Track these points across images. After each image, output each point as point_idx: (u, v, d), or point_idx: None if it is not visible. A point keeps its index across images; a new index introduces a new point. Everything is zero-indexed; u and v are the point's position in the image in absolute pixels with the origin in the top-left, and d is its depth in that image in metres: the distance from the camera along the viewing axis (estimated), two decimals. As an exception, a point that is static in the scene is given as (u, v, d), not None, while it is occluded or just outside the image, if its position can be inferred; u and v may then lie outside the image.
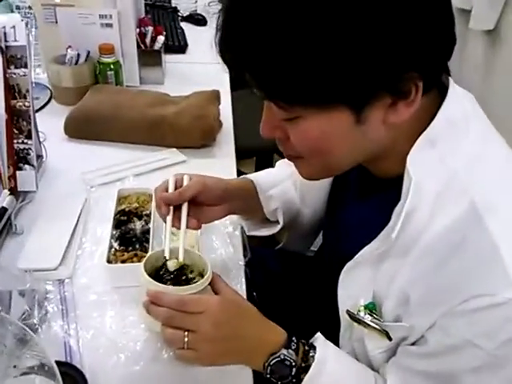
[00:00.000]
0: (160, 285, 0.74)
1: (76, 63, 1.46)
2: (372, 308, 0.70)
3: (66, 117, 1.32)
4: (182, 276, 0.80)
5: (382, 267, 0.69)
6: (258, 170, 2.67)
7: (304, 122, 0.62)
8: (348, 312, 0.73)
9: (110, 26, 1.50)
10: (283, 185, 1.01)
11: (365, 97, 0.59)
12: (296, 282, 1.09)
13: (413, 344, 0.68)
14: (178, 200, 0.84)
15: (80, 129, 1.31)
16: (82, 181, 1.15)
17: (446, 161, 0.63)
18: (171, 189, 0.85)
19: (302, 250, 1.09)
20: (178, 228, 0.83)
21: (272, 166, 2.62)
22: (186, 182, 0.87)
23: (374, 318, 0.69)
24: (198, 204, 0.87)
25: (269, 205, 0.99)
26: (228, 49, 0.61)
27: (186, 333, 0.70)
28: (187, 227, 0.83)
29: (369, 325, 0.70)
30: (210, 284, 0.77)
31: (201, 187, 0.86)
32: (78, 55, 1.46)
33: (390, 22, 0.54)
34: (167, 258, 0.79)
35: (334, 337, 0.82)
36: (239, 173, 1.27)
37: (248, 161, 2.44)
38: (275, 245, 1.11)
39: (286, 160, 1.06)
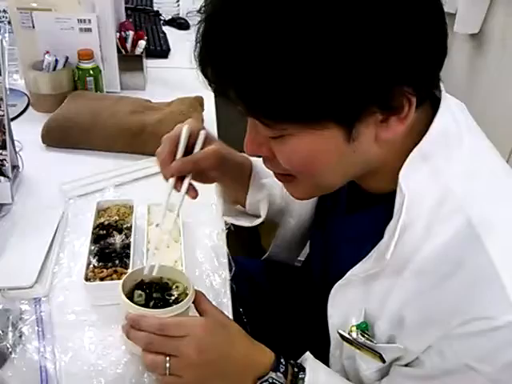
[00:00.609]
0: (138, 308, 0.71)
1: (54, 69, 1.42)
2: (364, 328, 0.67)
3: (43, 125, 1.27)
4: (165, 292, 0.76)
5: (374, 286, 0.66)
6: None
7: (290, 140, 0.59)
8: (339, 333, 0.70)
9: (88, 30, 1.45)
10: (272, 178, 0.96)
11: (354, 113, 0.55)
12: (283, 296, 1.05)
13: (407, 365, 0.65)
14: (190, 171, 0.76)
15: (58, 137, 1.27)
16: (59, 192, 1.10)
17: (439, 176, 0.60)
18: (181, 148, 0.76)
19: (289, 260, 1.06)
20: (179, 191, 0.76)
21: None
22: (200, 142, 0.78)
23: (367, 339, 0.66)
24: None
25: (256, 193, 0.93)
26: (210, 62, 0.57)
27: (168, 358, 0.66)
28: (186, 193, 0.77)
29: (362, 347, 0.66)
30: (193, 303, 0.74)
31: (218, 161, 0.79)
32: (56, 61, 1.42)
33: (379, 34, 0.51)
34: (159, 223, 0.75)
35: (323, 353, 0.79)
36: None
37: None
38: (260, 255, 1.08)
39: None
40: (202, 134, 0.78)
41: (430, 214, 0.59)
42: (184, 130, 0.77)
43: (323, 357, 0.78)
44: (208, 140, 0.80)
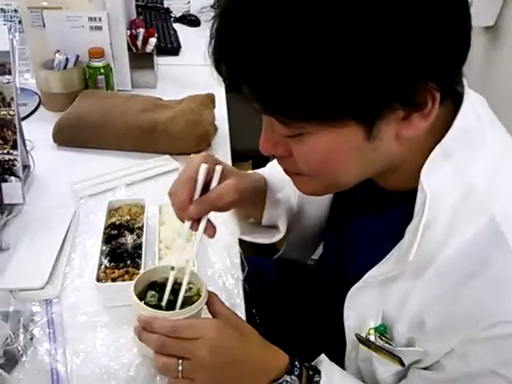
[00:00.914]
0: (150, 309, 0.70)
1: (65, 68, 1.41)
2: (383, 331, 0.65)
3: (54, 124, 1.27)
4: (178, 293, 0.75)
5: (393, 288, 0.64)
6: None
7: (309, 139, 0.57)
8: (357, 335, 0.68)
9: (99, 28, 1.45)
10: (286, 190, 0.93)
11: (376, 110, 0.53)
12: (297, 296, 1.03)
13: (426, 368, 0.64)
14: (208, 212, 0.72)
15: (69, 136, 1.26)
16: (71, 191, 1.10)
17: (462, 173, 0.58)
18: (200, 184, 0.71)
19: (302, 258, 1.04)
20: (196, 230, 0.73)
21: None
22: (216, 176, 0.73)
23: (386, 342, 0.64)
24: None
25: (273, 209, 0.90)
26: (224, 58, 0.55)
27: (181, 361, 0.65)
28: (204, 232, 0.73)
29: (380, 350, 0.65)
30: (206, 304, 0.73)
31: (235, 199, 0.74)
32: (67, 59, 1.41)
33: (404, 27, 0.48)
34: (175, 267, 0.74)
35: (338, 355, 0.77)
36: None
37: (244, 164, 2.39)
38: (272, 253, 1.06)
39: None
40: (219, 169, 0.74)
41: (453, 212, 0.57)
42: (201, 169, 0.71)
43: (338, 358, 0.76)
44: (224, 174, 0.75)
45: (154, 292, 0.75)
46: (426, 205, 0.58)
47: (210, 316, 0.73)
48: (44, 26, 1.42)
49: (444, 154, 0.59)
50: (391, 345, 0.64)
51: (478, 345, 0.57)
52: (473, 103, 0.62)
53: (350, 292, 0.71)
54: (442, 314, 0.59)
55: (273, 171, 0.92)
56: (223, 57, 0.55)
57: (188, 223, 0.72)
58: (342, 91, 0.50)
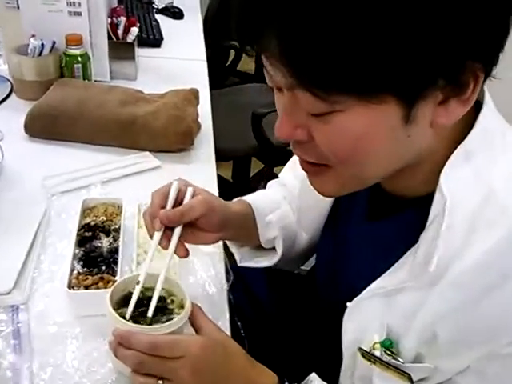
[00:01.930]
0: (128, 322, 0.63)
1: (40, 54, 1.33)
2: (389, 346, 0.60)
3: (26, 113, 1.18)
4: (160, 307, 0.68)
5: (400, 299, 0.59)
6: (235, 173, 2.59)
7: (340, 118, 0.50)
8: (361, 350, 0.63)
9: (78, 14, 1.37)
10: (281, 210, 0.90)
11: (420, 86, 0.47)
12: (286, 308, 0.97)
13: None
14: (178, 222, 0.72)
15: (42, 127, 1.18)
16: (42, 187, 1.02)
17: (482, 177, 0.55)
18: (171, 200, 0.72)
19: (292, 268, 0.99)
20: (166, 248, 0.71)
21: (249, 170, 2.55)
22: (188, 196, 0.74)
23: (393, 357, 0.59)
24: (192, 224, 0.74)
25: (267, 233, 0.88)
26: (258, 18, 0.47)
27: (161, 381, 0.59)
28: (175, 252, 0.71)
29: (387, 366, 0.59)
30: (189, 318, 0.67)
31: (206, 210, 0.73)
32: (43, 45, 1.32)
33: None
34: (140, 281, 0.68)
35: (330, 372, 0.72)
36: (217, 177, 1.16)
37: (224, 164, 2.33)
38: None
39: (277, 180, 0.96)
40: (190, 190, 0.75)
41: (471, 219, 0.53)
42: (173, 185, 0.74)
43: (330, 377, 0.71)
44: (196, 193, 0.76)
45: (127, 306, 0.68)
46: (446, 210, 0.53)
47: (192, 330, 0.67)
48: (18, 7, 1.33)
49: (465, 156, 0.55)
50: (399, 360, 0.59)
51: (499, 362, 0.53)
52: (492, 105, 0.59)
53: (351, 304, 0.66)
54: (456, 327, 0.55)
55: (259, 196, 0.91)
56: (257, 16, 0.47)
57: (157, 236, 0.71)
58: (389, 61, 0.45)
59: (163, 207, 0.72)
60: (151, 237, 0.72)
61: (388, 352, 0.60)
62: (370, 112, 0.49)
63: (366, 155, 0.53)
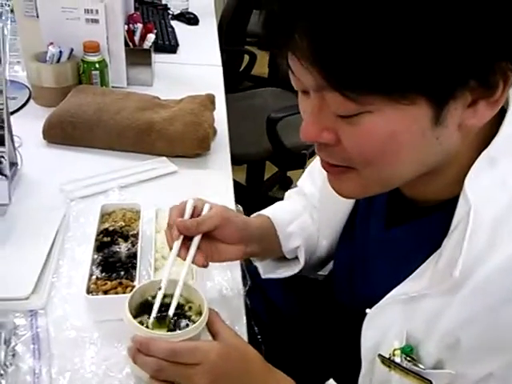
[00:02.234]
0: (146, 330, 0.63)
1: (58, 61, 1.34)
2: (409, 352, 0.59)
3: (45, 120, 1.19)
4: (178, 313, 0.68)
5: (422, 305, 0.58)
6: (249, 177, 2.59)
7: (369, 119, 0.50)
8: (381, 356, 0.62)
9: (95, 21, 1.38)
10: (301, 219, 0.89)
11: (450, 87, 0.47)
12: (303, 313, 0.97)
13: None
14: (194, 231, 0.73)
15: (60, 133, 1.19)
16: (60, 193, 1.03)
17: (506, 184, 0.53)
18: (188, 214, 0.74)
19: (309, 274, 0.98)
20: (184, 259, 0.72)
21: (264, 173, 2.54)
22: (205, 210, 0.76)
23: (414, 364, 0.58)
24: (212, 238, 0.75)
25: (289, 243, 0.87)
26: (290, 18, 0.47)
27: None
28: (193, 262, 0.72)
29: (408, 372, 0.59)
30: (206, 324, 0.67)
31: (221, 221, 0.74)
32: (61, 53, 1.34)
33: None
34: (162, 287, 0.68)
35: (348, 378, 0.71)
36: (233, 182, 1.16)
37: (238, 167, 2.33)
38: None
39: (294, 190, 0.96)
40: (207, 205, 0.77)
41: (495, 224, 0.52)
42: (189, 201, 0.76)
43: (348, 383, 0.70)
44: (212, 208, 0.77)
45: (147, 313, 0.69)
46: (471, 216, 0.53)
47: (210, 337, 0.67)
48: (37, 16, 1.35)
49: (489, 162, 0.55)
50: (420, 367, 0.58)
51: None
52: None
53: (371, 310, 0.65)
54: (481, 333, 0.54)
55: (277, 208, 0.91)
56: (291, 15, 0.47)
57: (177, 245, 0.72)
58: (419, 61, 0.45)
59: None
60: (171, 248, 0.73)
61: (408, 358, 0.59)
62: (400, 113, 0.49)
63: (394, 158, 0.53)
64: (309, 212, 0.91)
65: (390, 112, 0.49)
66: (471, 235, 0.52)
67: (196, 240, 0.73)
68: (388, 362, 0.61)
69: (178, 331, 0.64)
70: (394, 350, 0.60)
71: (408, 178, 0.57)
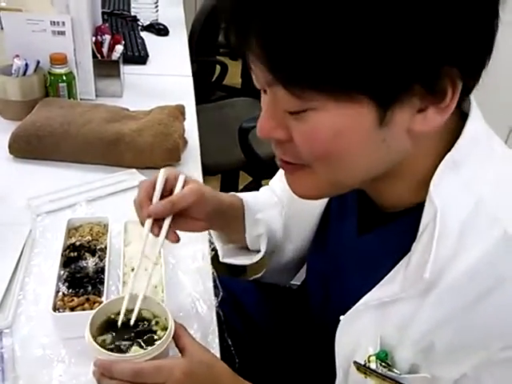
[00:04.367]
0: (107, 352, 0.62)
1: (24, 74, 1.31)
2: (384, 358, 0.59)
3: (10, 133, 1.17)
4: (143, 329, 0.67)
5: (393, 310, 0.58)
6: (223, 187, 2.58)
7: (314, 116, 0.51)
8: (357, 363, 0.61)
9: (62, 33, 1.36)
10: (269, 212, 0.90)
11: (395, 91, 0.48)
12: (277, 324, 0.96)
13: None
14: (169, 212, 0.71)
15: (26, 147, 1.16)
16: (26, 208, 1.00)
17: (470, 186, 0.54)
18: (159, 188, 0.71)
19: (281, 282, 0.98)
20: (157, 236, 0.71)
21: (238, 183, 2.53)
22: (179, 185, 0.73)
23: (389, 369, 0.58)
24: (182, 212, 0.74)
25: (254, 229, 0.87)
26: (241, 13, 0.49)
27: None
28: (167, 238, 0.71)
29: (384, 378, 0.58)
30: (173, 337, 0.65)
31: (197, 200, 0.73)
32: (27, 65, 1.31)
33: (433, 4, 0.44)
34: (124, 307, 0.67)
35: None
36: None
37: (212, 178, 2.32)
38: (243, 270, 0.99)
39: (268, 187, 0.96)
40: (181, 177, 0.74)
41: (462, 226, 0.53)
42: (160, 173, 0.73)
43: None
44: (187, 183, 0.75)
45: (112, 331, 0.67)
46: (438, 218, 0.53)
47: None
48: (2, 28, 1.33)
49: (453, 166, 0.55)
50: (395, 372, 0.58)
51: (496, 368, 0.52)
52: (479, 115, 0.58)
53: (344, 317, 0.65)
54: (453, 335, 0.54)
55: (252, 195, 0.91)
56: (240, 10, 0.49)
57: (148, 224, 0.70)
58: (363, 60, 0.45)
59: (151, 197, 0.71)
60: (142, 224, 0.72)
61: (383, 364, 0.59)
62: (343, 111, 0.50)
63: (340, 156, 0.53)
64: (278, 210, 0.91)
65: (333, 110, 0.50)
66: (439, 238, 0.53)
67: (169, 219, 0.71)
68: (363, 368, 0.60)
69: (141, 351, 0.63)
70: (369, 356, 0.60)
71: (359, 179, 0.58)
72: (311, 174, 0.57)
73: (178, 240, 0.73)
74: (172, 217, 0.71)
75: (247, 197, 0.90)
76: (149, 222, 0.70)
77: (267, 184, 0.98)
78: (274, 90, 0.52)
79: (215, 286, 0.87)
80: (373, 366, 0.59)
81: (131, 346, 0.64)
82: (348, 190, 0.62)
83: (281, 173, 0.95)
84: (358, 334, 0.63)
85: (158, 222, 0.71)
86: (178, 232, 0.73)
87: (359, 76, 0.46)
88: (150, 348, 0.62)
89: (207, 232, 0.96)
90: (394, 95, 0.48)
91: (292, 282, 0.99)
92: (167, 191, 0.73)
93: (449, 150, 0.55)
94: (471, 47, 0.48)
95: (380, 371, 0.59)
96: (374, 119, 0.50)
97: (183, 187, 0.73)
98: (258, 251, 0.89)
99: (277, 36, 0.47)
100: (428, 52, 0.46)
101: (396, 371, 0.58)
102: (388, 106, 0.49)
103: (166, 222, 0.71)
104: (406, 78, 0.47)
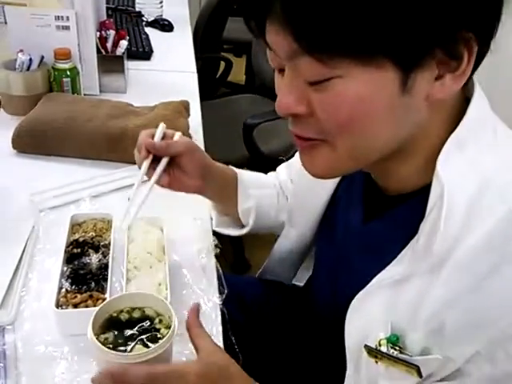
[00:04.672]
0: (109, 351, 0.61)
1: (28, 69, 1.31)
2: (395, 341, 0.58)
3: (14, 128, 1.16)
4: (146, 327, 0.66)
5: (405, 288, 0.58)
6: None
7: (339, 84, 0.51)
8: (367, 347, 0.61)
9: (66, 28, 1.35)
10: (265, 190, 0.93)
11: (417, 54, 0.49)
12: (281, 322, 0.95)
13: (442, 379, 0.57)
14: (164, 151, 0.79)
15: (30, 142, 1.16)
16: (30, 203, 1.00)
17: (475, 164, 0.55)
18: (158, 137, 0.80)
19: (284, 277, 0.97)
20: (150, 178, 0.79)
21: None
22: (176, 138, 0.83)
23: (400, 352, 0.57)
24: (176, 166, 0.81)
25: (244, 202, 0.90)
26: None
27: None
28: (158, 183, 0.79)
29: (396, 360, 0.58)
30: (188, 332, 0.64)
31: (189, 149, 0.81)
32: (31, 60, 1.31)
33: None
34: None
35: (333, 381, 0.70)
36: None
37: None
38: (244, 267, 0.99)
39: (275, 172, 0.97)
40: (178, 133, 0.83)
41: (469, 204, 0.54)
42: (160, 125, 0.81)
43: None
44: (183, 138, 0.83)
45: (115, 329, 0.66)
46: (445, 196, 0.54)
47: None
48: (5, 22, 1.32)
49: (458, 144, 0.57)
50: (407, 354, 0.57)
51: (509, 344, 0.52)
52: (483, 99, 0.59)
53: (353, 302, 0.65)
54: (463, 312, 0.54)
55: (250, 173, 0.97)
56: None
57: (146, 164, 0.78)
58: (386, 25, 0.47)
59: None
60: (139, 166, 0.79)
61: (395, 347, 0.58)
62: (368, 77, 0.50)
63: (364, 123, 0.54)
64: (275, 191, 0.94)
65: (358, 76, 0.50)
66: (447, 215, 0.53)
67: (164, 161, 0.79)
68: (374, 352, 0.60)
69: (144, 350, 0.62)
70: (380, 340, 0.59)
71: (378, 151, 0.58)
72: (330, 149, 0.57)
73: (168, 184, 0.80)
74: (166, 163, 0.78)
75: (243, 172, 0.93)
76: (146, 164, 0.78)
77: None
78: (295, 63, 0.53)
79: (220, 284, 0.87)
80: (384, 349, 0.59)
81: (134, 344, 0.64)
82: (365, 164, 0.62)
83: (288, 162, 0.96)
84: (368, 318, 0.63)
85: (153, 166, 0.78)
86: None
87: (383, 39, 0.48)
88: (152, 346, 0.62)
89: (210, 229, 0.96)
90: (417, 59, 0.50)
91: (296, 283, 0.98)
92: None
93: (453, 130, 0.56)
94: (485, 12, 0.50)
95: (391, 354, 0.58)
96: (397, 85, 0.51)
97: None
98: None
99: (309, 13, 0.47)
100: (447, 16, 0.48)
101: (407, 353, 0.58)
102: (410, 70, 0.50)
103: (161, 165, 0.78)
104: (428, 41, 0.49)
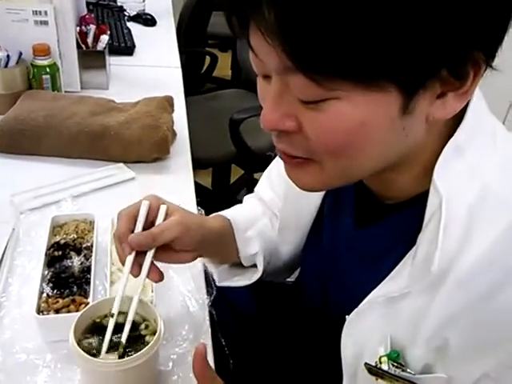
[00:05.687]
0: (90, 358, 0.58)
1: (6, 66, 1.27)
2: (396, 358, 0.56)
3: (-8, 128, 1.13)
4: (131, 333, 0.63)
5: (403, 305, 0.55)
6: (214, 181, 2.54)
7: (337, 105, 0.46)
8: (368, 365, 0.58)
9: (45, 23, 1.32)
10: (260, 223, 0.85)
11: (423, 76, 0.45)
12: (272, 323, 0.92)
13: None
14: (150, 246, 0.66)
15: (9, 142, 1.12)
16: (10, 205, 0.97)
17: (475, 171, 0.52)
18: (141, 222, 0.67)
19: (277, 280, 0.94)
20: (136, 277, 0.66)
21: (229, 177, 2.50)
22: (161, 216, 0.69)
23: (402, 370, 0.55)
24: (166, 247, 0.69)
25: (246, 249, 0.82)
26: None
27: None
28: (148, 277, 0.67)
29: (398, 379, 0.55)
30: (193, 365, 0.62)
31: (180, 232, 0.68)
32: (8, 57, 1.27)
33: None
34: (114, 313, 0.63)
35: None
36: (196, 185, 1.12)
37: (203, 171, 2.28)
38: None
39: (253, 195, 0.91)
40: (163, 208, 0.69)
41: (470, 215, 0.50)
42: (143, 204, 0.68)
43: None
44: (170, 213, 0.70)
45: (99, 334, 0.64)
46: (443, 207, 0.50)
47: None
48: (-20, 18, 1.28)
49: (456, 152, 0.53)
50: (410, 372, 0.55)
51: None
52: (482, 102, 0.56)
53: (349, 316, 0.61)
54: (467, 331, 0.51)
55: (237, 211, 0.86)
56: None
57: (129, 261, 0.65)
58: (393, 47, 0.42)
59: (132, 230, 0.67)
60: (122, 263, 0.67)
61: (395, 364, 0.55)
62: (369, 100, 0.46)
63: (359, 149, 0.50)
64: (268, 217, 0.87)
65: (358, 99, 0.46)
66: (446, 226, 0.50)
67: (150, 254, 0.66)
68: (375, 370, 0.57)
69: (126, 357, 0.59)
70: (380, 357, 0.57)
71: (371, 170, 0.55)
72: (319, 169, 0.53)
73: (160, 279, 0.68)
74: (154, 251, 0.67)
75: (234, 215, 0.85)
76: (130, 260, 0.65)
77: (260, 177, 0.94)
78: (286, 78, 0.47)
79: (208, 285, 0.84)
80: (384, 367, 0.56)
81: (121, 350, 0.61)
82: (356, 181, 0.59)
83: (266, 175, 0.90)
84: (365, 333, 0.60)
85: (138, 260, 0.66)
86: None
87: (389, 62, 0.43)
88: (135, 354, 0.59)
89: (217, 282, 0.88)
90: (422, 80, 0.46)
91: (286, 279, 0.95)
92: (149, 223, 0.68)
93: (451, 136, 0.53)
94: (496, 30, 0.46)
95: (393, 372, 0.56)
96: (399, 107, 0.47)
97: (165, 218, 0.69)
98: (254, 265, 0.84)
99: (301, 12, 0.41)
100: (460, 36, 0.44)
101: (410, 371, 0.55)
102: (414, 93, 0.46)
103: (147, 260, 0.66)
104: (435, 63, 0.45)
